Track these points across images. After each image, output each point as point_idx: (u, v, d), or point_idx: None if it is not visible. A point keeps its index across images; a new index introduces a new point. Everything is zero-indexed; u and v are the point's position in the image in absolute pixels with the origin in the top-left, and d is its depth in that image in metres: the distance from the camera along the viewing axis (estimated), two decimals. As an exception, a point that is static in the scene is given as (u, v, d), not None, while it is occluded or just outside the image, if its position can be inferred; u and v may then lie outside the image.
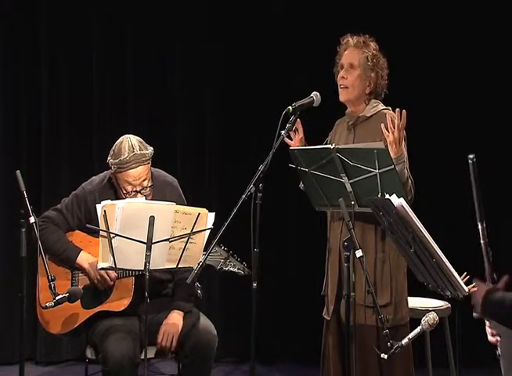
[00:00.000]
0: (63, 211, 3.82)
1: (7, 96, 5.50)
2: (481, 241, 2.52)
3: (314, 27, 5.30)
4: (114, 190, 3.81)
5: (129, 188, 3.72)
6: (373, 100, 3.66)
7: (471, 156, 2.42)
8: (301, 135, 3.73)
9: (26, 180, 3.50)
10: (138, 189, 3.72)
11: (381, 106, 3.65)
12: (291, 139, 3.69)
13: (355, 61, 3.64)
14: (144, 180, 3.73)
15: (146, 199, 3.68)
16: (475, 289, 2.48)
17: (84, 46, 5.53)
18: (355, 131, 3.64)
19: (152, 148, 3.78)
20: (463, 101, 5.23)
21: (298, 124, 3.66)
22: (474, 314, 2.50)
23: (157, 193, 3.82)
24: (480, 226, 2.50)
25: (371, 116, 3.62)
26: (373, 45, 3.68)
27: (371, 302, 3.30)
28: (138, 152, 3.70)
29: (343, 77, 3.65)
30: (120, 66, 5.57)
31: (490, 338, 2.60)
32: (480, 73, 5.21)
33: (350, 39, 3.70)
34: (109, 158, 3.75)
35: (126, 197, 3.72)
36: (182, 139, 5.60)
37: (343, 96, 3.66)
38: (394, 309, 3.52)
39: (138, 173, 3.71)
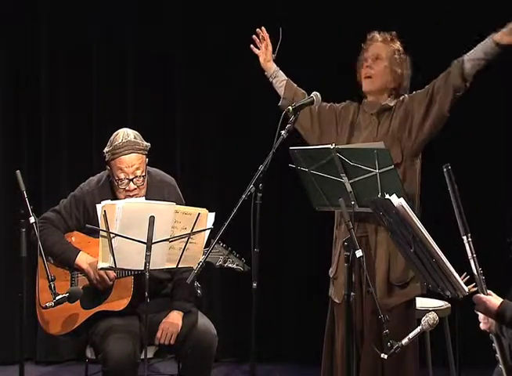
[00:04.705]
0: (61, 212, 3.82)
1: (7, 96, 5.49)
2: (469, 256, 2.38)
3: (313, 28, 5.30)
4: (112, 190, 3.80)
5: (122, 175, 3.71)
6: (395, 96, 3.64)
7: (446, 165, 2.35)
8: (267, 44, 3.93)
9: (26, 180, 3.50)
10: (130, 178, 3.71)
11: None
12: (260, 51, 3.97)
13: (382, 53, 3.61)
14: (137, 169, 3.72)
15: (140, 198, 3.69)
16: (474, 288, 2.46)
17: (84, 46, 5.52)
18: (379, 119, 3.61)
19: (148, 143, 3.78)
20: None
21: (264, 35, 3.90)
22: (482, 326, 2.46)
23: (155, 192, 3.81)
24: (465, 240, 2.38)
25: (393, 105, 3.60)
26: (399, 43, 3.65)
27: (400, 281, 3.50)
28: (132, 139, 3.71)
29: (368, 66, 3.61)
30: (120, 66, 5.57)
31: (483, 325, 2.55)
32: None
33: (377, 35, 3.66)
34: (105, 149, 3.76)
35: (119, 186, 3.71)
36: (182, 138, 5.60)
37: (366, 86, 3.63)
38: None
39: (132, 160, 3.70)
